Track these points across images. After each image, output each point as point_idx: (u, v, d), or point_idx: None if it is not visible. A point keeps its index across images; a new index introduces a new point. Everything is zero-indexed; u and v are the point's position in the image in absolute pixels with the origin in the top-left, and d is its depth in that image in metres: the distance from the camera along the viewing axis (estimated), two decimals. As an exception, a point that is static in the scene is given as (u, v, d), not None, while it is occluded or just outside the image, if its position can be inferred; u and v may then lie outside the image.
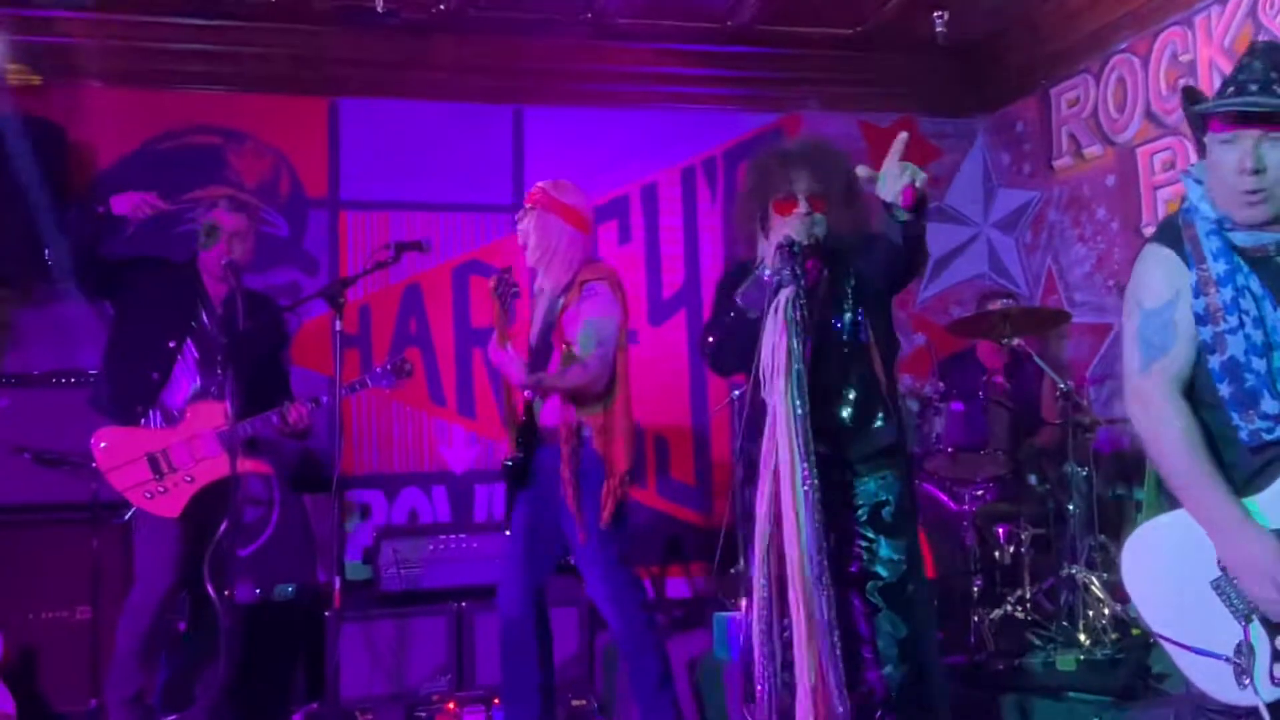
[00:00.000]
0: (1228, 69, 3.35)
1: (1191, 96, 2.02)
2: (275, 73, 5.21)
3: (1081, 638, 3.71)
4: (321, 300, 3.53)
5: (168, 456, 3.49)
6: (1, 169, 4.39)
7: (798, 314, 2.40)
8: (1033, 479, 4.28)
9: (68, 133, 4.82)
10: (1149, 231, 4.72)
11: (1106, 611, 3.76)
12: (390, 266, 3.32)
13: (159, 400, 3.58)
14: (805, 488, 2.33)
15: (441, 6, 4.90)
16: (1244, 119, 1.79)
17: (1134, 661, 3.47)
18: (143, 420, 3.55)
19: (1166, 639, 1.86)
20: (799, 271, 2.43)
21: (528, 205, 3.46)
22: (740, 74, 5.67)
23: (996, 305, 4.55)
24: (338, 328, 3.14)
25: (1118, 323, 4.95)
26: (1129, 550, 1.96)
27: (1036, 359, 4.20)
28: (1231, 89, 1.83)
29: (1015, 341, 4.16)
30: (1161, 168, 4.77)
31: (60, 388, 4.47)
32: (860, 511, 2.64)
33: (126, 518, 3.53)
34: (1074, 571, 3.83)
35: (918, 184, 2.21)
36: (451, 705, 3.89)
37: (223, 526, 3.57)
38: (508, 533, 3.63)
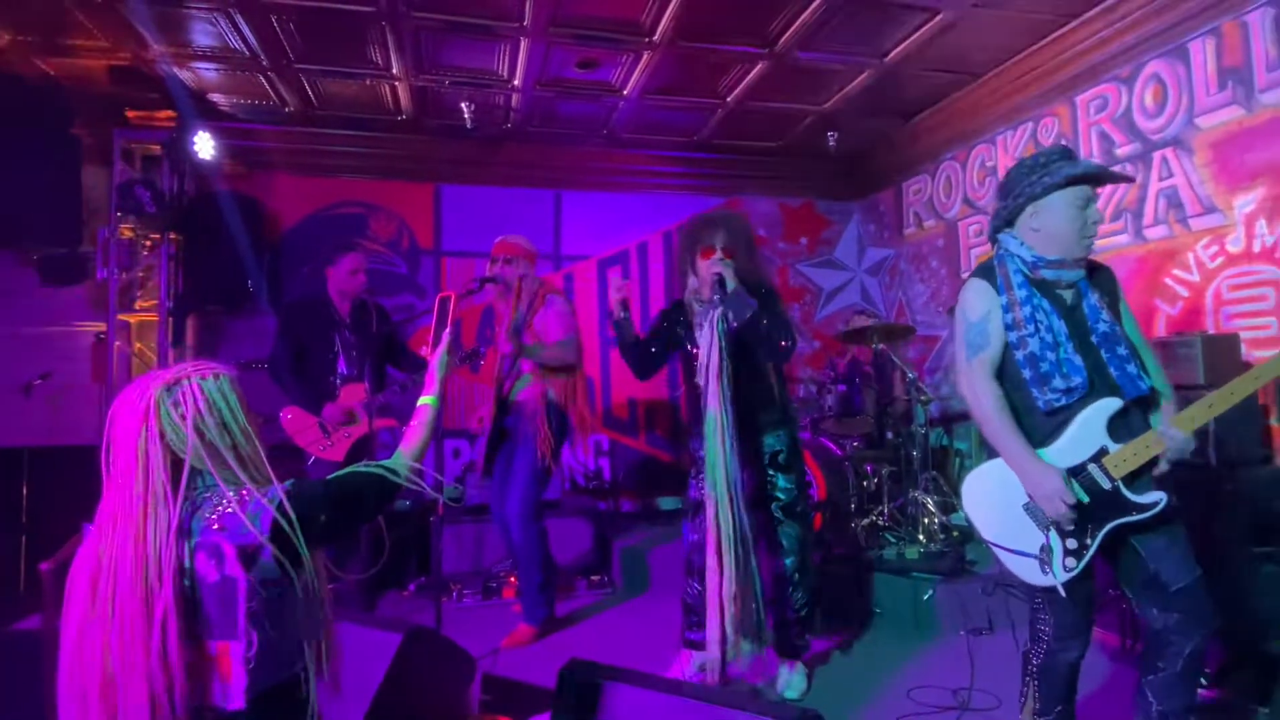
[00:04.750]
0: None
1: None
2: (400, 166, 5.14)
3: (921, 537, 3.74)
4: (430, 315, 3.49)
5: (331, 422, 3.45)
6: (220, 228, 4.34)
7: (723, 325, 2.42)
8: (889, 434, 4.30)
9: (263, 204, 4.77)
10: (965, 276, 4.74)
11: (937, 521, 3.79)
12: (475, 294, 3.28)
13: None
14: (729, 437, 2.36)
15: (508, 125, 4.87)
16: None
17: (955, 553, 3.51)
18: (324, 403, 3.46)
19: (994, 544, 1.83)
20: (726, 296, 2.43)
21: (509, 256, 3.29)
22: (702, 171, 5.62)
23: (867, 323, 4.55)
24: (441, 333, 3.11)
25: (944, 335, 5.00)
26: (966, 487, 1.87)
27: (893, 357, 4.22)
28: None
29: (879, 346, 4.17)
30: (974, 234, 4.78)
31: (256, 370, 4.41)
32: (765, 457, 2.63)
33: (309, 464, 3.44)
34: (915, 495, 3.85)
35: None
36: (513, 579, 3.87)
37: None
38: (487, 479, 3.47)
